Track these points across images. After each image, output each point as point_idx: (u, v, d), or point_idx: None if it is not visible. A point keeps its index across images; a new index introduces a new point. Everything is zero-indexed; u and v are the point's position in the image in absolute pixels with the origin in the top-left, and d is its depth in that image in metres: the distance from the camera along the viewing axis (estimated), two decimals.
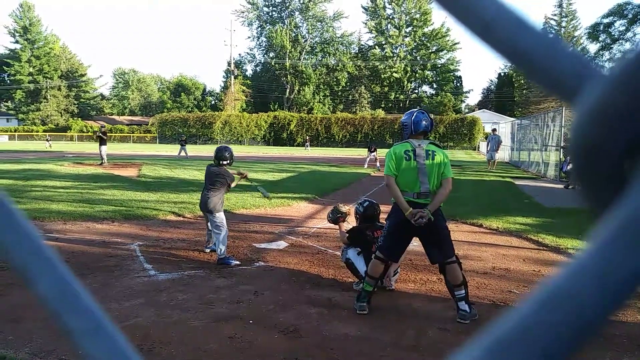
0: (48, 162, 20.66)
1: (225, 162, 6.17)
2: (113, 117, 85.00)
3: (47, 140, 44.68)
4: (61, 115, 77.89)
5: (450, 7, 0.27)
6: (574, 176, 0.25)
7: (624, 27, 28.49)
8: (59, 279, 0.33)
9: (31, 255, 0.33)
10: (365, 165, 22.14)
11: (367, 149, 23.18)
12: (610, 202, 0.24)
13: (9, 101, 78.97)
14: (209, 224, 6.22)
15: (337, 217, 5.43)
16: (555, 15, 73.83)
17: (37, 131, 70.14)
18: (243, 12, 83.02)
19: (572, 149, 0.25)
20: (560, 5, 72.80)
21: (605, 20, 28.86)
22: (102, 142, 19.59)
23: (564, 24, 72.70)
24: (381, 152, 22.90)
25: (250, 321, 4.13)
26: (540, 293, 0.23)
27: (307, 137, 51.92)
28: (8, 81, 78.12)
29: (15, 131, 70.60)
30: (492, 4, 0.26)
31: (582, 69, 0.25)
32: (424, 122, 4.44)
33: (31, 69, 76.69)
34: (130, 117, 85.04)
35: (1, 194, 0.36)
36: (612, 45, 29.22)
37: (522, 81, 70.06)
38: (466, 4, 0.26)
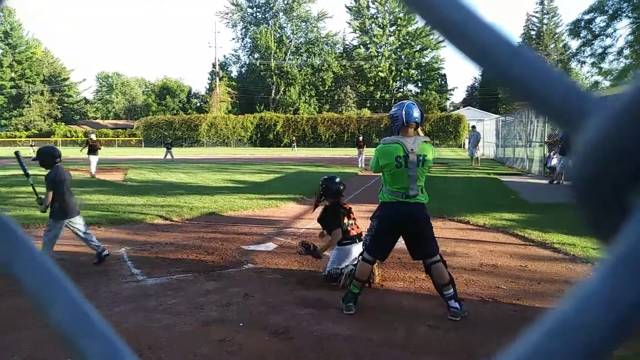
0: (32, 168, 20.38)
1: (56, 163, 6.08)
2: (97, 121, 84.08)
3: (30, 146, 44.08)
4: (44, 120, 76.94)
5: (447, 34, 0.28)
6: (576, 206, 0.25)
7: (604, 23, 28.85)
8: (71, 303, 0.34)
9: (43, 283, 0.34)
10: (361, 165, 21.27)
11: (356, 147, 22.74)
12: (614, 231, 0.24)
13: None
14: (80, 228, 5.95)
15: (314, 252, 5.57)
16: (537, 12, 74.69)
17: (21, 137, 69.16)
18: (227, 14, 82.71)
19: (575, 179, 0.25)
20: (541, 3, 73.66)
21: (586, 17, 29.17)
22: (92, 150, 17.88)
23: (545, 21, 73.54)
24: (369, 152, 22.89)
25: (241, 324, 4.13)
26: (549, 323, 0.23)
27: (294, 138, 51.83)
28: None
29: None
30: (487, 31, 0.27)
31: (578, 98, 0.25)
32: (415, 113, 4.18)
33: (13, 74, 75.59)
34: (114, 121, 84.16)
35: (9, 220, 0.36)
36: (593, 41, 29.56)
37: None
38: (462, 31, 0.27)
